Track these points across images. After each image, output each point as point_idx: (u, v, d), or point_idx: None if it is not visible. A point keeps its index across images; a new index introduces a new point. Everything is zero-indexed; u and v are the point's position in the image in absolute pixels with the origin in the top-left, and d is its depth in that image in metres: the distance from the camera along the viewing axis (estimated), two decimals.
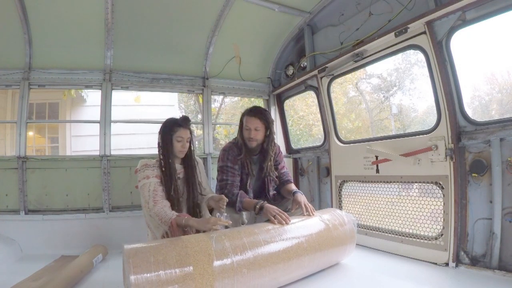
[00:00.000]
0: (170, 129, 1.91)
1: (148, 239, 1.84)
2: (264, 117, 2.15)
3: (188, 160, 2.00)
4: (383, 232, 2.40)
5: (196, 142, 8.85)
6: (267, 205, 1.87)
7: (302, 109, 9.93)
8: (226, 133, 9.38)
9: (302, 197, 2.05)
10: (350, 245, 1.98)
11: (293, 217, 1.90)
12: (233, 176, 2.11)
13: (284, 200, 2.26)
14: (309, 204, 2.00)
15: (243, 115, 2.21)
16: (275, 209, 1.83)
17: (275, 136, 2.30)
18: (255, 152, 2.21)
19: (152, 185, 1.79)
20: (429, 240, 2.09)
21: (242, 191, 2.08)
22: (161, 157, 1.89)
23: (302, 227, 1.80)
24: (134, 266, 1.23)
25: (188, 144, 1.95)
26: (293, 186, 2.24)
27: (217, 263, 1.38)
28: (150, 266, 1.25)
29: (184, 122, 1.94)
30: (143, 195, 1.79)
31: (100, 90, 3.07)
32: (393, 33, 2.18)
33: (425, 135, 2.13)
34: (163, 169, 1.87)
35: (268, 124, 2.17)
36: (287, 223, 1.76)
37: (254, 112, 2.16)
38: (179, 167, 1.97)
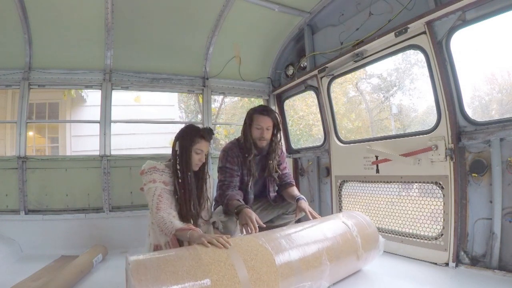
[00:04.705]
0: (192, 139, 1.75)
1: (149, 240, 1.77)
2: (275, 117, 2.16)
3: (201, 173, 1.85)
4: (383, 232, 2.39)
5: None
6: (245, 210, 1.80)
7: (302, 109, 9.93)
8: (226, 133, 9.38)
9: (306, 204, 2.03)
10: (374, 251, 1.87)
11: (310, 222, 1.84)
12: (230, 176, 2.08)
13: (285, 203, 2.25)
14: (314, 211, 1.98)
15: (252, 113, 2.16)
16: (248, 218, 1.74)
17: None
18: (262, 152, 2.20)
19: (158, 190, 1.65)
20: (429, 240, 2.09)
21: (233, 193, 2.00)
22: (178, 167, 1.73)
23: (323, 234, 1.66)
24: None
25: (205, 157, 1.82)
26: (296, 191, 2.22)
27: (241, 274, 1.23)
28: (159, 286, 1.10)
29: (207, 134, 1.79)
30: (148, 199, 1.67)
31: (100, 90, 3.07)
32: (393, 33, 2.18)
33: (425, 135, 2.13)
34: (180, 180, 1.71)
35: (277, 124, 2.18)
36: (251, 233, 1.67)
37: (267, 111, 2.15)
38: None
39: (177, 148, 1.76)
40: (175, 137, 1.81)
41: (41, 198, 2.84)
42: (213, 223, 1.93)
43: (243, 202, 1.95)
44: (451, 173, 1.96)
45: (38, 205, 2.83)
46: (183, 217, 1.69)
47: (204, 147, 1.78)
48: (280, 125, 2.21)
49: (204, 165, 1.85)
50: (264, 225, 1.81)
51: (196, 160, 1.77)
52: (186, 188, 1.72)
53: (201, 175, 1.86)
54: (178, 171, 1.72)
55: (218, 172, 2.17)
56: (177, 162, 1.74)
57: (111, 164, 3.01)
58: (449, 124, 1.96)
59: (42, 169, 2.87)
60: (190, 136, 1.77)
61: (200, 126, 2.00)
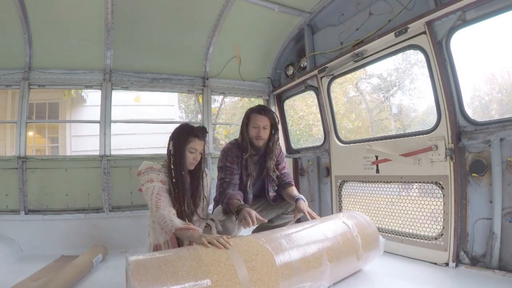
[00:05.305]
0: (185, 138, 1.76)
1: (149, 240, 1.78)
2: (272, 116, 2.16)
3: (197, 171, 1.85)
4: (383, 232, 2.39)
5: None
6: (245, 208, 1.80)
7: (302, 109, 9.94)
8: (226, 133, 9.38)
9: (305, 204, 2.03)
10: (374, 251, 1.87)
11: (310, 222, 1.83)
12: (231, 174, 2.09)
13: (284, 203, 2.25)
14: (312, 212, 1.98)
15: (250, 113, 2.17)
16: (246, 214, 1.74)
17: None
18: (259, 151, 2.20)
19: (156, 189, 1.66)
20: (429, 240, 2.09)
21: (233, 192, 2.00)
22: (172, 167, 1.73)
23: (323, 234, 1.66)
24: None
25: (200, 156, 1.83)
26: (295, 191, 2.21)
27: (241, 274, 1.23)
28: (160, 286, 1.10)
29: (201, 133, 1.80)
30: (147, 199, 1.68)
31: (100, 90, 3.07)
32: (393, 33, 2.18)
33: (425, 135, 2.13)
34: (174, 180, 1.72)
35: (275, 124, 2.18)
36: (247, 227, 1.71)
37: (264, 110, 2.15)
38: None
39: (171, 147, 1.77)
40: (170, 137, 1.82)
41: (41, 198, 2.84)
42: (208, 224, 1.91)
43: (243, 202, 1.96)
44: (451, 173, 1.96)
45: (38, 205, 2.83)
46: (178, 216, 1.69)
47: (198, 146, 1.78)
48: (278, 125, 2.20)
49: (200, 164, 1.86)
50: (266, 220, 1.82)
51: (191, 159, 1.78)
52: (180, 187, 1.73)
53: (197, 174, 1.86)
54: (172, 171, 1.73)
55: (218, 171, 2.18)
56: (172, 162, 1.75)
57: (111, 164, 3.01)
58: (449, 124, 1.96)
59: (42, 169, 2.87)
60: (184, 135, 1.77)
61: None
